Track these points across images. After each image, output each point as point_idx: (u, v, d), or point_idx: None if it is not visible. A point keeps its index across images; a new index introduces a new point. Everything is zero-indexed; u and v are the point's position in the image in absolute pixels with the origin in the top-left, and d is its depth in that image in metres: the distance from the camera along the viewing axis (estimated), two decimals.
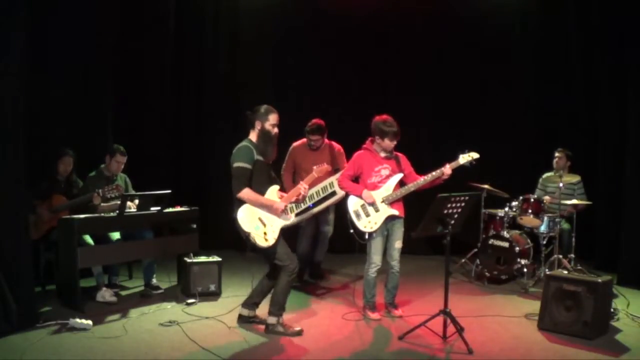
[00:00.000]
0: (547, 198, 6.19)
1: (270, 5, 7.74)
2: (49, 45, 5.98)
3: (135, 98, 7.33)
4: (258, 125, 4.41)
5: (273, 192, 4.45)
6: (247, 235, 4.25)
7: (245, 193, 4.26)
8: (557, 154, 6.45)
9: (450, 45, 7.57)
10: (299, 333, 4.43)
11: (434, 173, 4.63)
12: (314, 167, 4.56)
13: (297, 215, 5.62)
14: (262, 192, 4.37)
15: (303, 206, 5.64)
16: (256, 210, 4.32)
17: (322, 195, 5.64)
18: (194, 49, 7.89)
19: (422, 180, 4.67)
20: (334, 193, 5.57)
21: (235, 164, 4.29)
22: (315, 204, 5.66)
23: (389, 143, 4.73)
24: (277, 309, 4.46)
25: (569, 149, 6.48)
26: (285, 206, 4.40)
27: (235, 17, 7.84)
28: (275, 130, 4.45)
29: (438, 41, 7.58)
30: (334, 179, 5.50)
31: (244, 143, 4.40)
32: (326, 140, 5.93)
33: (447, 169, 4.59)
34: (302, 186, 4.47)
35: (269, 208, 4.34)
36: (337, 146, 5.96)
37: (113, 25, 6.78)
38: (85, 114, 6.39)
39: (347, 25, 7.58)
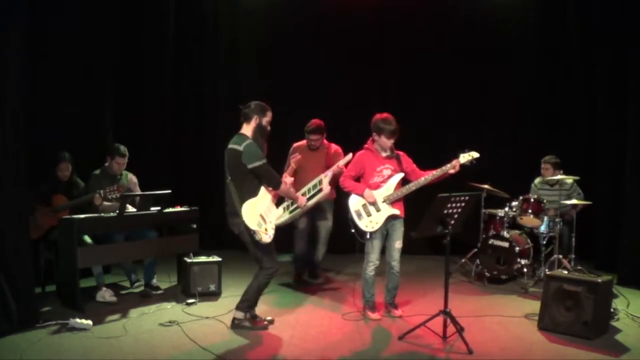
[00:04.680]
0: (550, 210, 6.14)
1: (270, 4, 7.74)
2: (49, 44, 5.98)
3: (136, 98, 7.35)
4: (256, 121, 4.43)
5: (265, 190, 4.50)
6: (253, 233, 4.27)
7: (284, 185, 4.50)
8: (543, 165, 6.34)
9: (450, 46, 7.56)
10: (267, 327, 4.51)
11: (443, 167, 4.58)
12: (291, 158, 4.78)
13: (291, 212, 5.60)
14: (256, 189, 4.39)
15: (295, 204, 5.63)
16: (257, 208, 4.35)
17: (312, 192, 5.61)
18: (194, 49, 7.89)
19: (431, 175, 4.62)
20: (321, 190, 5.52)
21: (257, 163, 4.30)
22: (308, 200, 5.63)
23: (385, 141, 4.70)
24: (247, 305, 4.52)
25: (567, 150, 6.44)
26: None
27: (235, 16, 7.85)
28: (269, 127, 4.53)
29: (438, 41, 7.56)
30: (323, 176, 5.48)
31: (248, 141, 4.36)
32: (325, 142, 5.96)
33: (457, 165, 4.56)
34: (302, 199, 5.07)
35: (295, 199, 5.02)
36: (335, 147, 5.99)
37: (112, 25, 6.78)
38: (85, 113, 6.39)
39: (347, 25, 7.57)
